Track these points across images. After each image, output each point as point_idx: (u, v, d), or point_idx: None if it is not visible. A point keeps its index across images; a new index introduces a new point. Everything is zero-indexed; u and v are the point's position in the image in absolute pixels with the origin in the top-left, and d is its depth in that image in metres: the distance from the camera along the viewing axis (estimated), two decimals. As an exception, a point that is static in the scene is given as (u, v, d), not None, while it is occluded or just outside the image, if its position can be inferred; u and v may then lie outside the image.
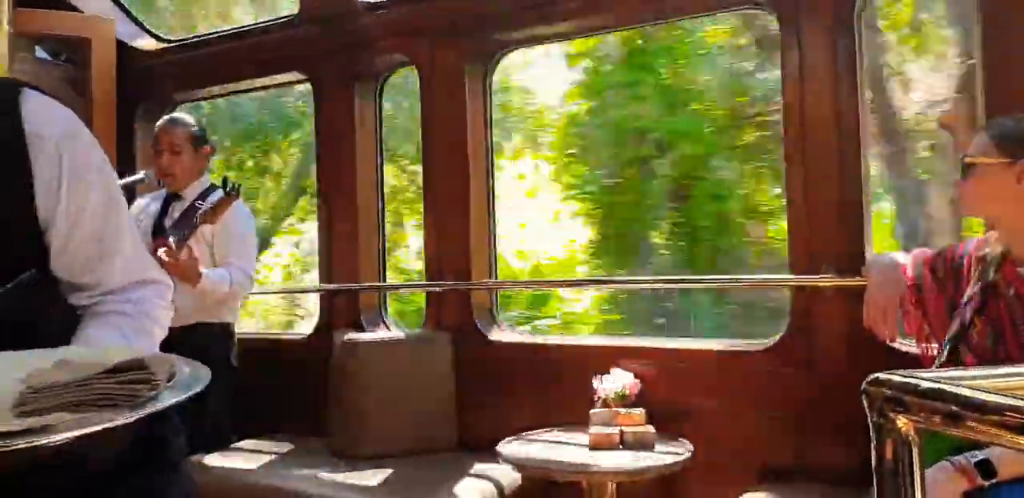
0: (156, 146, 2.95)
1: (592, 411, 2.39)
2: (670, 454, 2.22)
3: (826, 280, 2.31)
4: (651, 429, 2.32)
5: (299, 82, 3.62)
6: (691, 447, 2.26)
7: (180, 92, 3.83)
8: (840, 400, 2.19)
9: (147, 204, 3.03)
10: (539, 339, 2.97)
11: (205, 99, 4.09)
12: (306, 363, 3.13)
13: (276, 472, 2.59)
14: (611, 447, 2.26)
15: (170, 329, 2.60)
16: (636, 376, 2.46)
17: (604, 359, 2.56)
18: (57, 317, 1.08)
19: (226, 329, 2.90)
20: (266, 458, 2.76)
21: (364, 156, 3.25)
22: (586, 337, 3.06)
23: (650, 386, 2.48)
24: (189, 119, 3.03)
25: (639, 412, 2.37)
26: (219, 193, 2.84)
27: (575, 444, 2.33)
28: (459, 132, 2.96)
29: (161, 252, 2.56)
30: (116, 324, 1.08)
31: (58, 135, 1.02)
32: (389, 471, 2.53)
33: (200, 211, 2.71)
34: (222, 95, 4.21)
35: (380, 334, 3.04)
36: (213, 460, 2.73)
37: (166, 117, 3.03)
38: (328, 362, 2.92)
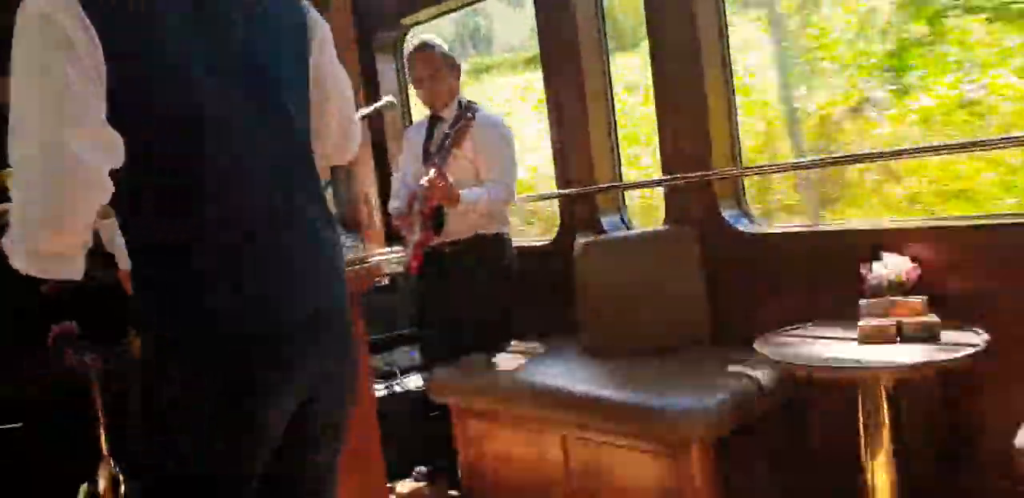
0: (413, 73, 3.04)
1: (862, 302, 2.13)
2: (960, 346, 1.92)
3: None
4: (935, 318, 2.02)
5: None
6: (987, 337, 1.93)
7: (407, 16, 3.91)
8: None
9: (415, 131, 3.19)
10: (794, 227, 2.70)
11: (432, 19, 4.13)
12: (553, 267, 3.17)
13: (534, 370, 2.67)
14: (886, 341, 2.00)
15: (452, 242, 2.96)
16: (914, 260, 2.15)
17: (873, 244, 2.26)
18: None
19: (499, 238, 3.03)
20: (524, 358, 2.86)
21: (589, 54, 3.10)
22: (849, 220, 2.72)
23: (932, 270, 2.16)
24: (438, 40, 3.08)
25: (919, 300, 2.07)
26: (478, 108, 2.99)
27: (842, 338, 2.11)
28: (687, 19, 2.69)
29: (423, 180, 2.79)
30: None
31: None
32: (644, 368, 2.49)
33: (447, 139, 2.86)
34: (447, 12, 4.23)
35: (620, 233, 2.96)
36: (479, 360, 2.90)
37: (416, 43, 3.08)
38: (573, 265, 2.92)
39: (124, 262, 1.48)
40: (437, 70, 2.99)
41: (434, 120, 3.09)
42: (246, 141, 1.18)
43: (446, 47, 3.04)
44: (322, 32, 1.33)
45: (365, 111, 2.93)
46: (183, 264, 1.14)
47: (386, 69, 4.04)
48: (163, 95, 1.10)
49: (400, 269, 3.41)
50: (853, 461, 1.99)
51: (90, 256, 1.25)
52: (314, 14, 1.33)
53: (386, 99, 3.08)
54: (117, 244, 1.49)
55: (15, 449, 2.95)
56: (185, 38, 1.12)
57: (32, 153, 1.03)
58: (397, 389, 3.27)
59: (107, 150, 1.06)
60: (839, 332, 2.17)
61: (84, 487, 3.35)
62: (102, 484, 3.38)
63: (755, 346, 2.14)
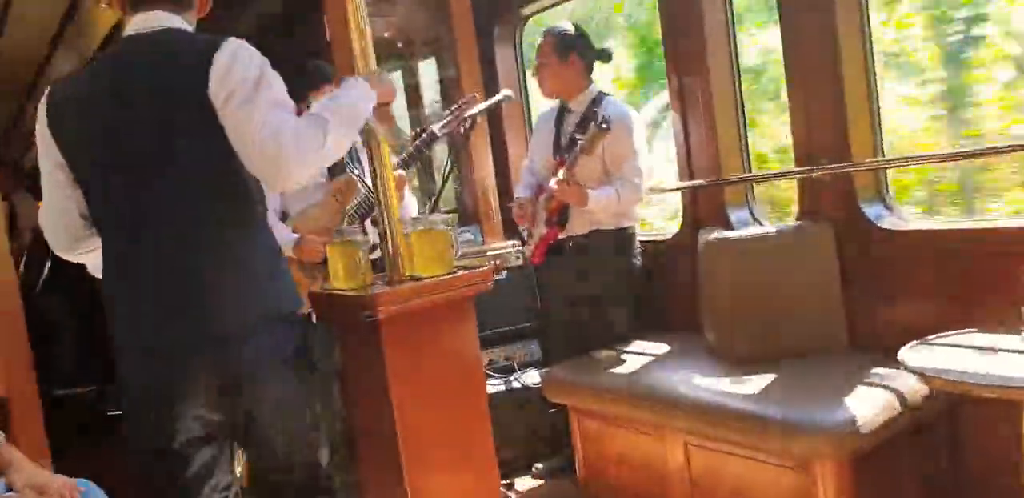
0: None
1: (1024, 309, 1.91)
2: None
3: None
4: (1117, 331, 1.79)
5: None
6: None
7: (527, 6, 3.85)
8: None
9: (544, 121, 3.16)
10: (946, 224, 2.46)
11: (550, 7, 4.04)
12: (677, 262, 3.06)
13: (656, 373, 2.59)
14: (1056, 355, 1.79)
15: (575, 236, 2.97)
16: (1088, 263, 1.90)
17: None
18: None
19: (623, 233, 2.97)
20: (645, 358, 2.78)
21: (715, 39, 2.94)
22: (1011, 218, 2.45)
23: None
24: (560, 27, 3.02)
25: (1095, 310, 1.84)
26: (608, 102, 2.91)
27: (1003, 350, 1.90)
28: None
29: (552, 182, 2.79)
30: None
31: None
32: (771, 375, 2.36)
33: (579, 144, 2.79)
34: (564, 1, 4.13)
35: (749, 230, 2.80)
36: (597, 359, 2.84)
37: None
38: (698, 261, 2.80)
39: None
40: (545, 58, 2.94)
41: (563, 111, 3.04)
42: (122, 196, 1.58)
43: (567, 37, 2.94)
44: (215, 87, 1.52)
45: (483, 105, 2.91)
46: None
47: (505, 60, 4.00)
48: (80, 172, 1.63)
49: (520, 263, 3.40)
50: (1016, 486, 1.80)
51: None
52: (219, 76, 1.52)
53: (503, 93, 3.05)
54: None
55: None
56: (91, 143, 1.60)
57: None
58: (515, 384, 3.26)
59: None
60: (997, 343, 1.96)
61: None
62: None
63: (900, 356, 1.96)
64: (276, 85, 1.55)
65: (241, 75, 1.51)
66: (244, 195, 1.59)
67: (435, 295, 1.72)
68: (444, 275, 1.77)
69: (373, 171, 1.80)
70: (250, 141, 1.49)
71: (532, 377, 3.23)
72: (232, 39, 1.56)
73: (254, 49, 1.58)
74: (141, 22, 1.63)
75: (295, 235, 2.86)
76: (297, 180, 1.52)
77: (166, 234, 1.55)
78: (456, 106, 2.77)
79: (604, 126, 2.66)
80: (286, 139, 1.47)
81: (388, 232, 1.77)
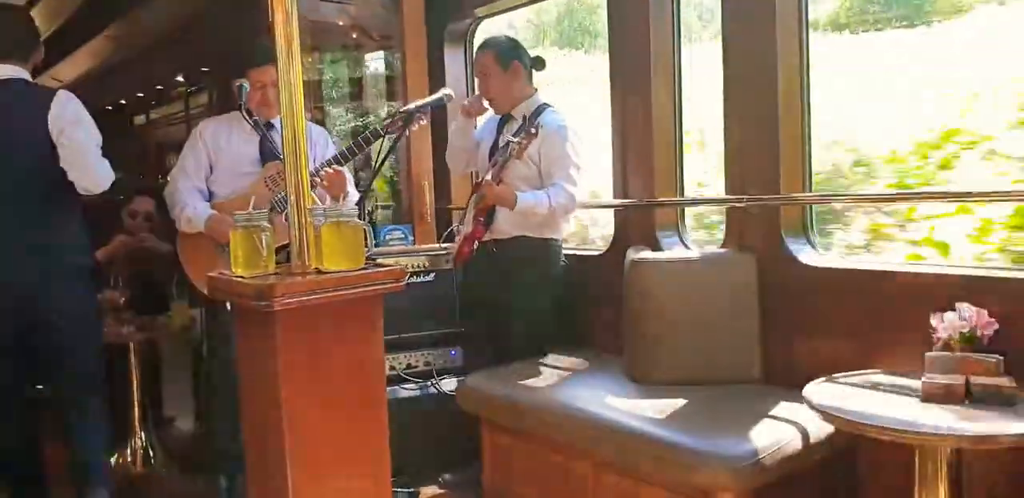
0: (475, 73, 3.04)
1: (928, 354, 1.94)
2: (1037, 417, 1.71)
3: None
4: (1010, 381, 1.82)
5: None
6: (1071, 410, 1.72)
7: (481, 6, 3.81)
8: None
9: (484, 127, 3.13)
10: (863, 264, 2.49)
11: (506, 11, 4.01)
12: (602, 279, 3.04)
13: (569, 390, 2.56)
14: (952, 401, 1.81)
15: (494, 241, 2.99)
16: (991, 314, 1.93)
17: (948, 291, 2.06)
18: None
19: (547, 244, 2.94)
20: (561, 374, 2.74)
21: (659, 62, 2.94)
22: (926, 263, 2.50)
23: (1011, 327, 1.94)
24: (496, 39, 3.03)
25: (994, 360, 1.87)
26: (549, 113, 2.91)
27: (903, 393, 1.92)
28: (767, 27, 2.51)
29: (485, 178, 2.79)
30: None
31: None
32: (682, 401, 2.34)
33: (510, 148, 2.77)
34: (522, 5, 4.10)
35: (675, 253, 2.79)
36: (513, 371, 2.79)
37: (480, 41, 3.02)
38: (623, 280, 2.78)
39: None
40: (487, 70, 2.94)
41: (505, 117, 3.01)
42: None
43: (507, 47, 2.95)
44: (52, 125, 2.43)
45: (422, 102, 2.84)
46: None
47: (454, 59, 3.94)
48: None
49: (449, 266, 3.33)
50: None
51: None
52: (56, 109, 2.44)
53: (442, 92, 2.99)
54: None
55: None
56: None
57: None
58: (432, 390, 3.17)
59: None
60: (900, 384, 1.98)
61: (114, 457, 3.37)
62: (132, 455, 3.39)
63: (805, 394, 1.96)
64: (88, 123, 2.46)
65: (71, 118, 2.40)
66: (65, 191, 2.47)
67: (338, 291, 1.63)
68: (351, 271, 1.68)
69: (289, 150, 1.69)
70: (79, 166, 2.42)
71: (450, 384, 3.15)
72: (61, 91, 2.46)
73: (75, 98, 2.47)
74: None
75: (211, 211, 2.78)
76: (104, 187, 2.48)
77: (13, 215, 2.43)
78: (402, 110, 2.73)
79: (533, 131, 2.70)
80: (97, 167, 2.44)
81: (296, 220, 1.68)
